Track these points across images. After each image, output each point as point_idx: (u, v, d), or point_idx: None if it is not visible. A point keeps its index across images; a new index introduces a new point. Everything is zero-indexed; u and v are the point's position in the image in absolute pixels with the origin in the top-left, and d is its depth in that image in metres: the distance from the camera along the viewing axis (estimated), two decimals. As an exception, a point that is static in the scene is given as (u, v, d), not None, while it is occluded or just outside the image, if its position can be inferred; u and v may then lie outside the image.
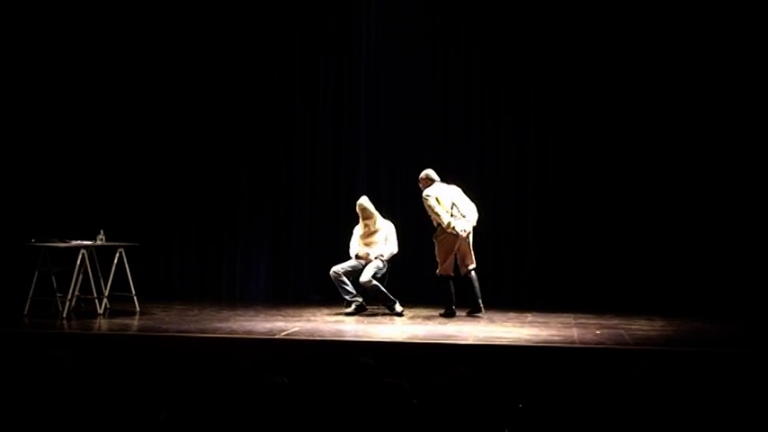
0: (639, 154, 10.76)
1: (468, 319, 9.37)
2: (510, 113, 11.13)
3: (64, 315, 9.14)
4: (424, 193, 9.61)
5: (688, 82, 10.65)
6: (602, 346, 7.60)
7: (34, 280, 9.28)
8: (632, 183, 10.77)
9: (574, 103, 10.98)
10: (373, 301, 9.75)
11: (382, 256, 9.75)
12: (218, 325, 8.63)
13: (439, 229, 9.55)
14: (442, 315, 9.48)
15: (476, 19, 11.18)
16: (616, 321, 9.20)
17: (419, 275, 10.69)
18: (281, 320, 9.07)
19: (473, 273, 9.59)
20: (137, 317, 9.37)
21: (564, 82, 10.98)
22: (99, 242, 9.55)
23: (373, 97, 11.42)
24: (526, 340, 7.86)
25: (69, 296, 9.27)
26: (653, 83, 10.75)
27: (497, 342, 7.78)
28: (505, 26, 11.11)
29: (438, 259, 9.59)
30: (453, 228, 9.44)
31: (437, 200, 9.52)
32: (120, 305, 9.78)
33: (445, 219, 9.46)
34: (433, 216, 9.56)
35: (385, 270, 9.78)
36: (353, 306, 9.62)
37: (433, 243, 9.64)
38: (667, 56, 10.72)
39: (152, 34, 11.61)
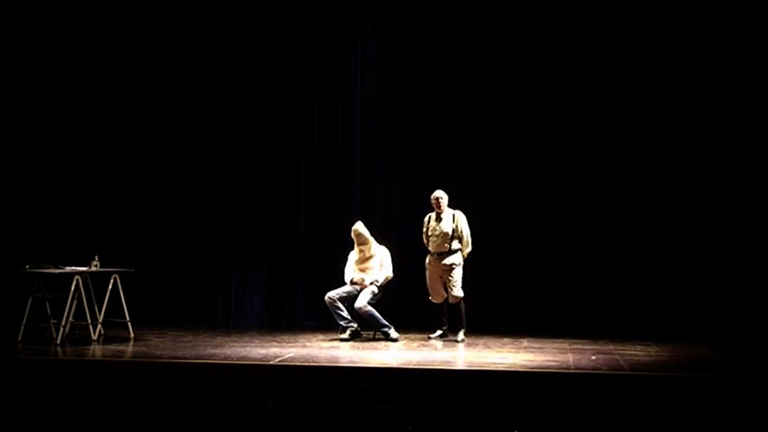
0: (635, 178, 10.72)
1: (464, 344, 9.34)
2: (506, 134, 11.12)
3: (58, 341, 9.09)
4: (460, 212, 9.65)
5: (694, 96, 10.59)
6: (598, 371, 7.57)
7: (28, 306, 9.24)
8: (628, 206, 10.73)
9: (570, 124, 10.96)
10: (368, 326, 9.72)
11: (377, 281, 9.74)
12: (213, 351, 8.60)
13: (459, 253, 9.55)
14: (463, 341, 9.44)
15: (470, 39, 11.20)
16: (612, 347, 9.20)
17: (414, 301, 10.65)
18: (276, 346, 9.03)
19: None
20: (131, 343, 9.33)
21: (559, 101, 10.98)
22: (93, 268, 9.51)
23: (368, 122, 11.43)
24: (521, 366, 7.84)
25: (63, 322, 9.23)
26: (656, 100, 10.69)
27: (493, 368, 7.77)
28: (501, 46, 11.13)
29: (460, 282, 9.56)
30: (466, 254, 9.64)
31: None
32: (114, 331, 9.76)
33: (470, 242, 9.60)
34: (462, 237, 9.54)
35: (380, 296, 9.76)
36: (348, 332, 9.60)
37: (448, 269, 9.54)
38: (666, 79, 10.76)
39: (143, 59, 11.63)
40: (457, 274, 9.56)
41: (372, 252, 9.89)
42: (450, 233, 9.55)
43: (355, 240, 9.91)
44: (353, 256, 9.97)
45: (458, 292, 9.55)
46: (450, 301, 9.62)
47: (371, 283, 9.72)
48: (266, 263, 11.50)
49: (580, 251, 10.85)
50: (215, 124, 11.62)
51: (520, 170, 11.10)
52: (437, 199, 9.66)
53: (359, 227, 9.91)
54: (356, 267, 9.91)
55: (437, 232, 9.58)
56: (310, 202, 11.49)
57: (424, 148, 11.30)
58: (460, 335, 9.53)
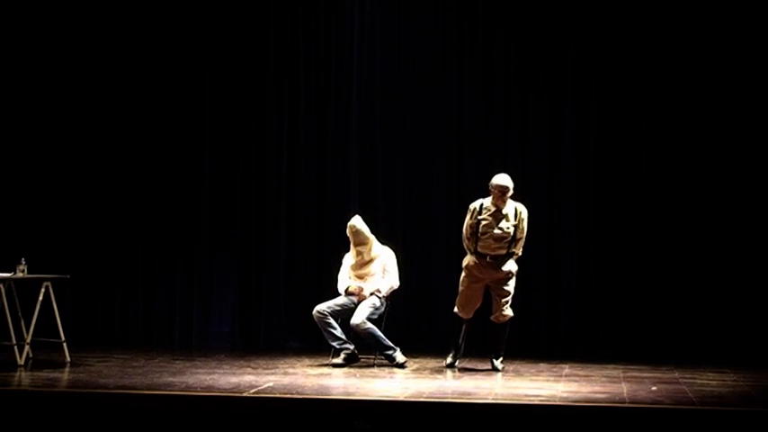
0: (711, 171, 10.79)
1: (489, 371, 9.38)
2: (543, 108, 11.15)
3: (-26, 367, 9.16)
4: (523, 207, 9.42)
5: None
6: (660, 405, 7.56)
7: (-64, 322, 9.33)
8: (702, 200, 10.80)
9: (626, 98, 10.98)
10: (368, 348, 9.73)
11: (379, 291, 9.74)
12: (171, 379, 8.63)
13: (514, 258, 9.44)
14: (503, 369, 9.44)
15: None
16: (676, 374, 9.23)
17: (427, 317, 10.67)
18: (251, 374, 9.08)
19: None
20: (67, 369, 9.35)
21: (614, 68, 11.00)
22: (20, 274, 9.52)
23: (367, 87, 11.44)
24: (562, 399, 7.82)
25: (-19, 343, 9.30)
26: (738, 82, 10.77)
27: (526, 401, 7.73)
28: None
29: (512, 297, 9.49)
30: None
31: None
32: (46, 354, 9.81)
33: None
34: (520, 239, 9.39)
35: (383, 310, 9.77)
36: (343, 355, 9.62)
37: (503, 277, 9.40)
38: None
39: (89, 35, 11.76)
40: (513, 287, 9.48)
41: (373, 254, 9.90)
42: (513, 233, 9.39)
43: (352, 240, 9.90)
44: (349, 259, 9.98)
45: (509, 309, 9.49)
46: (496, 320, 9.51)
47: (372, 294, 9.72)
48: (238, 268, 11.57)
49: (636, 254, 10.87)
50: (173, 95, 11.67)
51: (561, 154, 11.12)
52: (504, 188, 9.28)
53: (356, 222, 9.89)
54: (353, 274, 9.91)
55: (495, 230, 9.34)
56: (294, 192, 11.53)
57: (440, 119, 11.30)
58: (500, 362, 9.50)
